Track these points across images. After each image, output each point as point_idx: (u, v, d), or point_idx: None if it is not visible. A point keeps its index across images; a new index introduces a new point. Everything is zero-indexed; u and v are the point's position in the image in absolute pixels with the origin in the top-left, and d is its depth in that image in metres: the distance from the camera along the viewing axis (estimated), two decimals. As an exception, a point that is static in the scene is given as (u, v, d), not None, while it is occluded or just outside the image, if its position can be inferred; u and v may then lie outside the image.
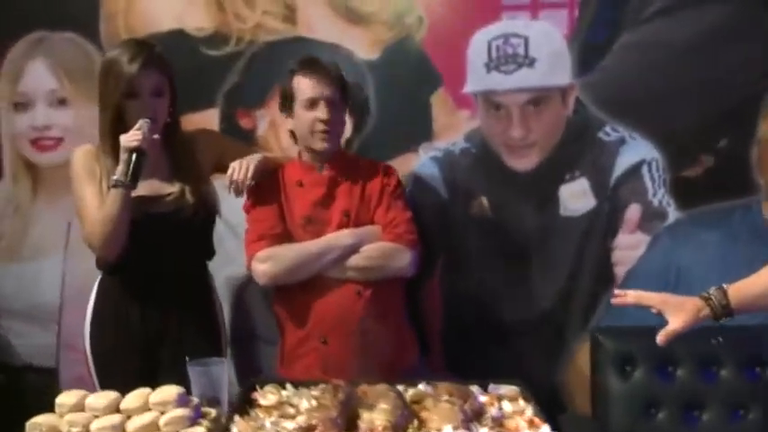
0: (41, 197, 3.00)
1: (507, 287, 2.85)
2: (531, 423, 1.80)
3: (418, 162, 2.86)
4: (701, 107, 2.76)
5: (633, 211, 2.81)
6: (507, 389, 2.05)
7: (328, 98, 2.39)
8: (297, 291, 2.41)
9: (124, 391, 1.92)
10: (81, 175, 2.31)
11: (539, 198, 2.84)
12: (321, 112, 2.38)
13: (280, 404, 1.97)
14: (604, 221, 2.82)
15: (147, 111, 2.26)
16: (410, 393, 2.00)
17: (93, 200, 2.27)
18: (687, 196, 2.79)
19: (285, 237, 2.41)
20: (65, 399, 1.88)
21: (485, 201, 2.85)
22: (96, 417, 1.84)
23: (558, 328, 2.86)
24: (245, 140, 2.82)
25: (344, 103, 2.46)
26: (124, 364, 2.33)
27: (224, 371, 2.06)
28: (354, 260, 2.37)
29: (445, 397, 1.83)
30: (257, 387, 2.06)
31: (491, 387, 2.08)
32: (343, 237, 2.39)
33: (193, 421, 1.84)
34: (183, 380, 2.06)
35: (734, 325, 1.88)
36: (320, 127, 2.39)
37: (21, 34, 2.94)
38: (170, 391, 1.87)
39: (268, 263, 2.38)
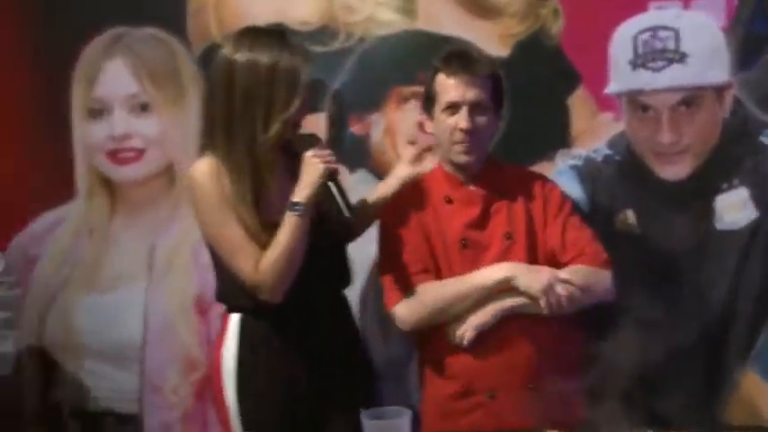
0: (120, 218, 2.66)
1: (656, 311, 2.52)
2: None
3: (555, 171, 2.55)
4: None
5: (800, 224, 2.51)
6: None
7: (473, 102, 2.04)
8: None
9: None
10: (218, 203, 1.91)
11: (692, 210, 2.52)
12: (462, 120, 2.04)
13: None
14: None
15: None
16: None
17: (241, 231, 1.91)
18: None
19: (434, 270, 2.08)
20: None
21: (631, 214, 2.53)
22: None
23: (716, 359, 2.53)
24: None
25: (497, 105, 2.12)
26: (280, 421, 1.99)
27: (408, 424, 1.71)
28: (550, 287, 2.00)
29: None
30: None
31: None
32: (496, 271, 2.04)
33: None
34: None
35: None
36: (459, 137, 2.05)
37: (97, 31, 2.60)
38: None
39: (412, 305, 2.06)
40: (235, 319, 2.09)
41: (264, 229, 1.93)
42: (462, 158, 2.07)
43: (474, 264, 2.05)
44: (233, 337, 2.08)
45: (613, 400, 2.38)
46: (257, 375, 2.04)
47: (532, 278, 2.00)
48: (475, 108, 2.04)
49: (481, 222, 2.08)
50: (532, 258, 2.07)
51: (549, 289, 1.98)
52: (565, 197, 2.17)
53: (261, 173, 1.91)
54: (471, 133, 2.04)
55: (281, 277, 1.91)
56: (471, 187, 2.11)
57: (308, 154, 1.90)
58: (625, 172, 2.53)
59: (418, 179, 2.15)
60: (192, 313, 2.29)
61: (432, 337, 2.09)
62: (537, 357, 2.02)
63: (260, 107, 1.89)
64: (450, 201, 2.11)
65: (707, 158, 2.51)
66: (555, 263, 2.07)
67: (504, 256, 2.05)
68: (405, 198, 2.14)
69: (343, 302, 2.14)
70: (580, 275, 2.04)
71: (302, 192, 1.89)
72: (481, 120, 2.06)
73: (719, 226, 2.51)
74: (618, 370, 2.42)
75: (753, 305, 2.52)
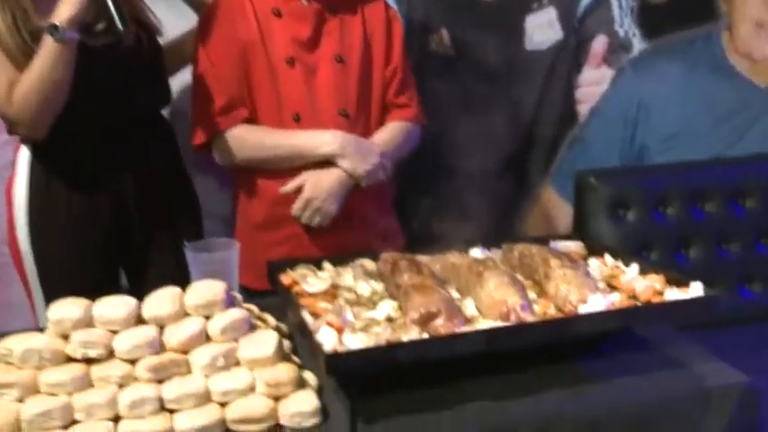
0: None
1: (469, 131, 2.55)
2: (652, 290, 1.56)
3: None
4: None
5: (599, 43, 2.59)
6: (572, 245, 1.80)
7: None
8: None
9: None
10: None
11: (504, 30, 2.52)
12: None
13: (333, 289, 1.57)
14: (570, 56, 2.58)
15: None
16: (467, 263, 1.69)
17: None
18: (652, 25, 2.61)
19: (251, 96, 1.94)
20: (61, 313, 1.34)
21: (445, 34, 2.49)
22: (115, 332, 1.34)
23: (520, 173, 2.63)
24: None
25: None
26: (86, 263, 1.80)
27: (236, 257, 1.60)
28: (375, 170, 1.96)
29: (556, 261, 1.53)
30: (285, 270, 1.64)
31: (551, 244, 1.82)
32: (324, 145, 1.93)
33: (249, 324, 1.39)
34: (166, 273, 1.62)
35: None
36: None
37: None
38: (212, 289, 1.39)
39: (223, 149, 1.94)
40: (25, 149, 1.85)
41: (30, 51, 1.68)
42: None
43: (301, 85, 1.92)
44: (23, 169, 1.86)
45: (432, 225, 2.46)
46: (51, 212, 1.84)
47: (360, 161, 1.93)
48: None
49: (312, 42, 1.94)
50: (364, 87, 1.98)
51: (373, 171, 1.94)
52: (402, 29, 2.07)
53: None
54: None
55: (35, 110, 1.69)
56: (304, 1, 1.94)
57: None
58: (440, -9, 2.46)
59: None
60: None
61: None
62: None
63: None
64: (278, 14, 1.92)
65: (518, -22, 2.50)
66: (384, 94, 2.03)
67: (333, 80, 1.94)
68: (225, 8, 1.93)
69: (157, 128, 1.94)
70: (399, 137, 2.04)
71: (63, 11, 1.62)
72: None
73: (529, 46, 2.54)
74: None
75: (553, 128, 2.62)
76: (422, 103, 2.11)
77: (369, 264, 1.69)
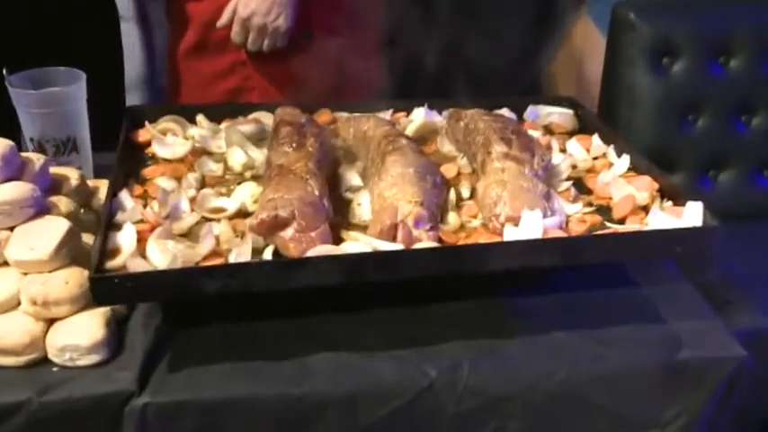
0: None
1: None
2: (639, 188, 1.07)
3: None
4: None
5: None
6: (558, 113, 1.31)
7: None
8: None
9: None
10: None
11: None
12: None
13: (193, 156, 1.15)
14: None
15: None
16: (411, 129, 1.24)
17: None
18: None
19: None
20: None
21: None
22: None
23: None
24: None
25: None
26: None
27: (82, 93, 1.19)
28: None
29: (501, 148, 1.05)
30: (144, 123, 1.22)
31: (530, 111, 1.33)
32: None
33: (40, 205, 0.99)
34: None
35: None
36: None
37: None
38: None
39: None
40: None
41: None
42: None
43: None
44: None
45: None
46: None
47: None
48: None
49: None
50: None
51: None
52: None
53: None
54: None
55: None
56: None
57: None
58: None
59: None
60: None
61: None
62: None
63: None
64: None
65: None
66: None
67: None
68: None
69: None
70: None
71: None
72: None
73: None
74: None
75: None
76: None
77: (268, 120, 1.25)
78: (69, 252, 0.95)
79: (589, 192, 1.10)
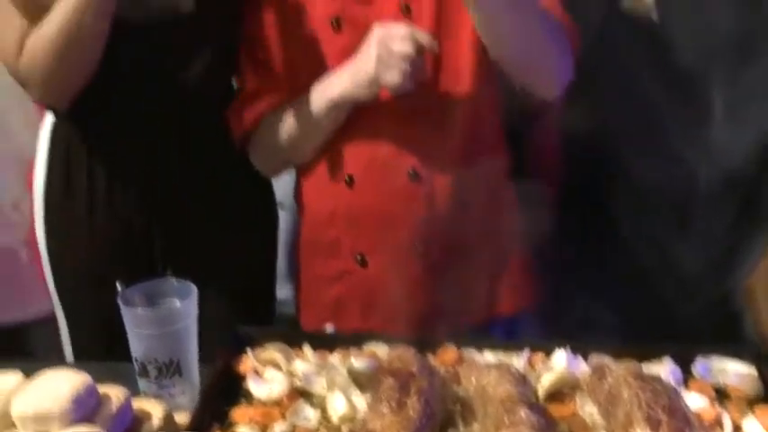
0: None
1: (671, 131, 1.77)
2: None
3: None
4: None
5: None
6: (735, 371, 1.06)
7: None
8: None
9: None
10: None
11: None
12: None
13: (289, 399, 1.03)
14: None
15: None
16: (546, 383, 1.05)
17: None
18: None
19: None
20: None
21: (650, -10, 1.72)
22: None
23: (751, 203, 1.78)
24: None
25: None
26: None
27: (193, 309, 1.13)
28: None
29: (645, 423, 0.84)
30: (251, 347, 1.13)
31: (700, 364, 1.10)
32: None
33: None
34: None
35: None
36: None
37: None
38: (61, 389, 0.92)
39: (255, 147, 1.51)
40: (48, 122, 1.56)
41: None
42: None
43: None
44: (44, 147, 1.55)
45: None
46: (69, 202, 1.51)
47: None
48: None
49: None
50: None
51: None
52: None
53: None
54: None
55: (47, 66, 1.37)
56: None
57: None
58: None
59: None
60: (32, 105, 1.70)
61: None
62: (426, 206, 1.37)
63: None
64: None
65: None
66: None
67: None
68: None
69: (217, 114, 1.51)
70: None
71: None
72: None
73: None
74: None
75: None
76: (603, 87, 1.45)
77: (383, 353, 1.11)
78: None
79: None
